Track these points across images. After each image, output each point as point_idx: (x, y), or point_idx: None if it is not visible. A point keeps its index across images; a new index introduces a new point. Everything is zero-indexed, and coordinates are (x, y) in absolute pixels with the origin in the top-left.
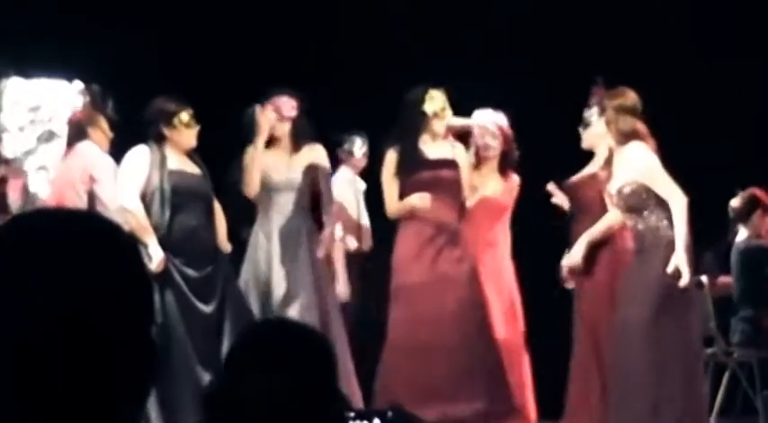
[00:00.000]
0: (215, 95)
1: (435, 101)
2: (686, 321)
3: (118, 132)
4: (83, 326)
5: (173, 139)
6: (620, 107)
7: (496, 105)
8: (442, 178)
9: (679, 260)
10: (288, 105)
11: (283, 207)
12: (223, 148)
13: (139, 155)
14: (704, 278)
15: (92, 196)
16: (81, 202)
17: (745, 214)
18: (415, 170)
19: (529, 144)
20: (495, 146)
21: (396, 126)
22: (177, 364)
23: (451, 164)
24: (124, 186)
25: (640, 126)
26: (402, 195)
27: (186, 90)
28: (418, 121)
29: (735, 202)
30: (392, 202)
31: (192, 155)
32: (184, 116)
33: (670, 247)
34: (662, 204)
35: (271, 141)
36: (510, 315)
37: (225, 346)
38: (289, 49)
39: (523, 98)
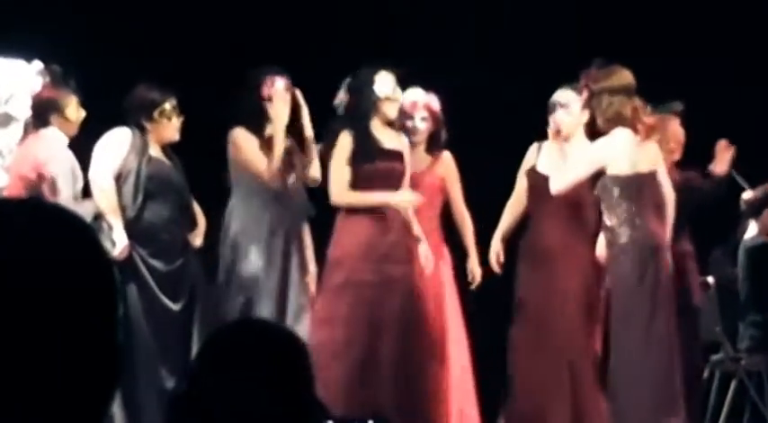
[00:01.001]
0: (196, 79)
1: (385, 82)
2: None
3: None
4: (37, 324)
5: (153, 131)
6: (607, 89)
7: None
8: (395, 171)
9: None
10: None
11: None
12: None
13: (119, 135)
14: (710, 279)
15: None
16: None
17: (757, 209)
18: (369, 159)
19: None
20: (422, 129)
21: (344, 110)
22: (141, 363)
23: (402, 156)
24: (99, 163)
25: (630, 109)
26: (352, 185)
27: (164, 74)
28: (369, 105)
29: (746, 196)
30: (343, 190)
31: (168, 150)
32: (166, 107)
33: (641, 245)
34: (632, 199)
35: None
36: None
37: (193, 348)
38: (275, 27)
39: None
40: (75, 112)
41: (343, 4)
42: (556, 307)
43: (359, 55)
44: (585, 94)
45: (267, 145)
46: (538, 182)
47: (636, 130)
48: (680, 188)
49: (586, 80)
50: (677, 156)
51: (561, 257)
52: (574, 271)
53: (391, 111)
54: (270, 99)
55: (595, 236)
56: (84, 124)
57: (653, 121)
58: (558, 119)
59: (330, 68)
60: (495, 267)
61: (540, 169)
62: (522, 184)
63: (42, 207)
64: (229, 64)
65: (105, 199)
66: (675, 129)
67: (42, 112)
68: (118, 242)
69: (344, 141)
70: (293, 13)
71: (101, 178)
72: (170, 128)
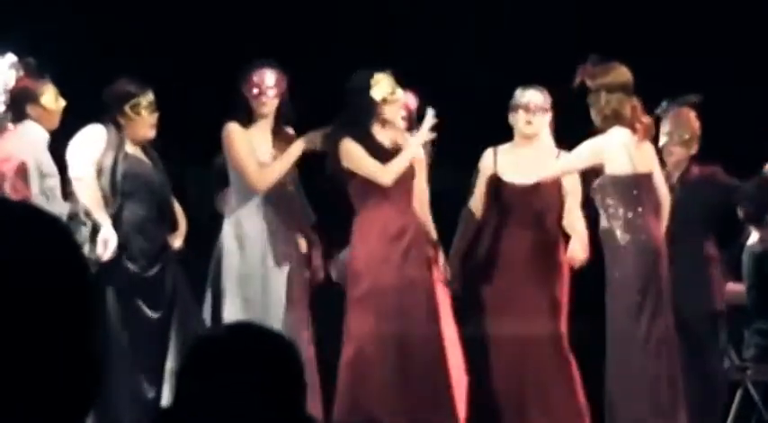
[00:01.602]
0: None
1: (382, 85)
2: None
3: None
4: (7, 327)
5: (127, 127)
6: (605, 86)
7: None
8: (407, 173)
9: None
10: (273, 78)
11: None
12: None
13: (93, 132)
14: None
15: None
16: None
17: (755, 216)
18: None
19: None
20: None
21: (342, 116)
22: (118, 373)
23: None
24: (77, 160)
25: (629, 108)
26: (356, 191)
27: (163, 74)
28: (368, 109)
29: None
30: (385, 170)
31: (147, 148)
32: (141, 101)
33: (642, 248)
34: (631, 200)
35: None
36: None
37: (171, 358)
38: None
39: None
40: (53, 101)
41: (342, 4)
42: (517, 316)
43: (359, 55)
44: (547, 97)
45: (259, 139)
46: (501, 190)
47: (634, 130)
48: (703, 183)
49: (583, 76)
50: (695, 149)
51: (524, 266)
52: (535, 280)
53: (391, 112)
54: (258, 92)
55: (556, 242)
56: (64, 121)
57: (650, 121)
58: (522, 119)
59: (330, 68)
60: (458, 288)
61: (506, 178)
62: (480, 192)
63: (10, 206)
64: (228, 63)
65: (90, 196)
66: (692, 121)
67: (18, 104)
68: (108, 240)
69: (350, 146)
70: (292, 12)
71: (83, 174)
72: (143, 123)
